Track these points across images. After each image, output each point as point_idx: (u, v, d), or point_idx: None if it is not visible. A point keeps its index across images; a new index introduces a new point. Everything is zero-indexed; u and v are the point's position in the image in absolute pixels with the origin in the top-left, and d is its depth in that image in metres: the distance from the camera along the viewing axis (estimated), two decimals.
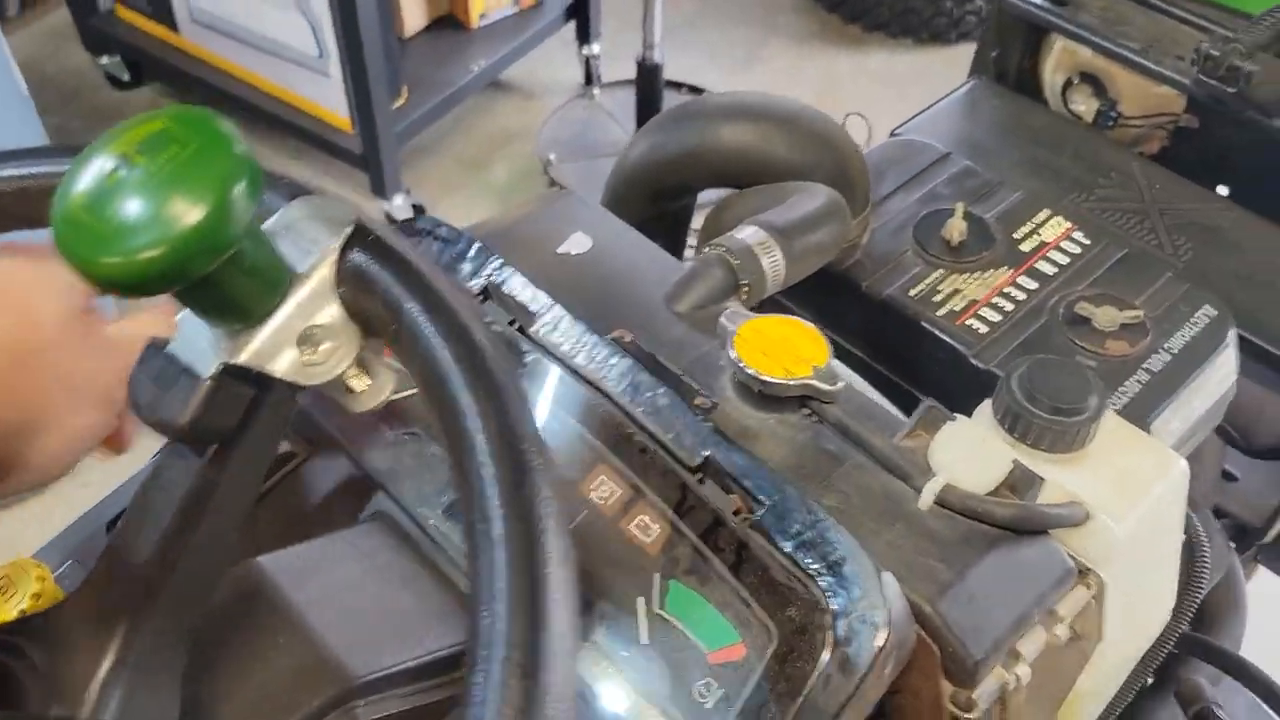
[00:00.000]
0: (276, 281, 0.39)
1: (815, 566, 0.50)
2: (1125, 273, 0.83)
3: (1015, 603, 0.55)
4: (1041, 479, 0.59)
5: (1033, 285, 0.82)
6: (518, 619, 0.32)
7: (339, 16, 2.01)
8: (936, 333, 0.80)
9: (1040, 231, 0.86)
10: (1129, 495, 0.61)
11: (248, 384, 0.39)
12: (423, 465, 0.58)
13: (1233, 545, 1.12)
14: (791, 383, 0.60)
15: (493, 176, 2.50)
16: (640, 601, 0.53)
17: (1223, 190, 1.10)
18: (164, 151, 0.35)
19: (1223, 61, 0.93)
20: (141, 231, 0.34)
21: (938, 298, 0.82)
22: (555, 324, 0.60)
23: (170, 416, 0.39)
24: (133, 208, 0.34)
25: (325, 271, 0.39)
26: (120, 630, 0.42)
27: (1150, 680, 1.04)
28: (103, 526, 0.62)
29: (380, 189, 2.29)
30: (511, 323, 0.60)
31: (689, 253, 0.92)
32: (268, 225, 0.40)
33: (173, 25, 2.34)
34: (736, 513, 0.53)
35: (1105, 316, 0.79)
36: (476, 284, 0.62)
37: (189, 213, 0.34)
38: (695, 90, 2.57)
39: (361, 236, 0.39)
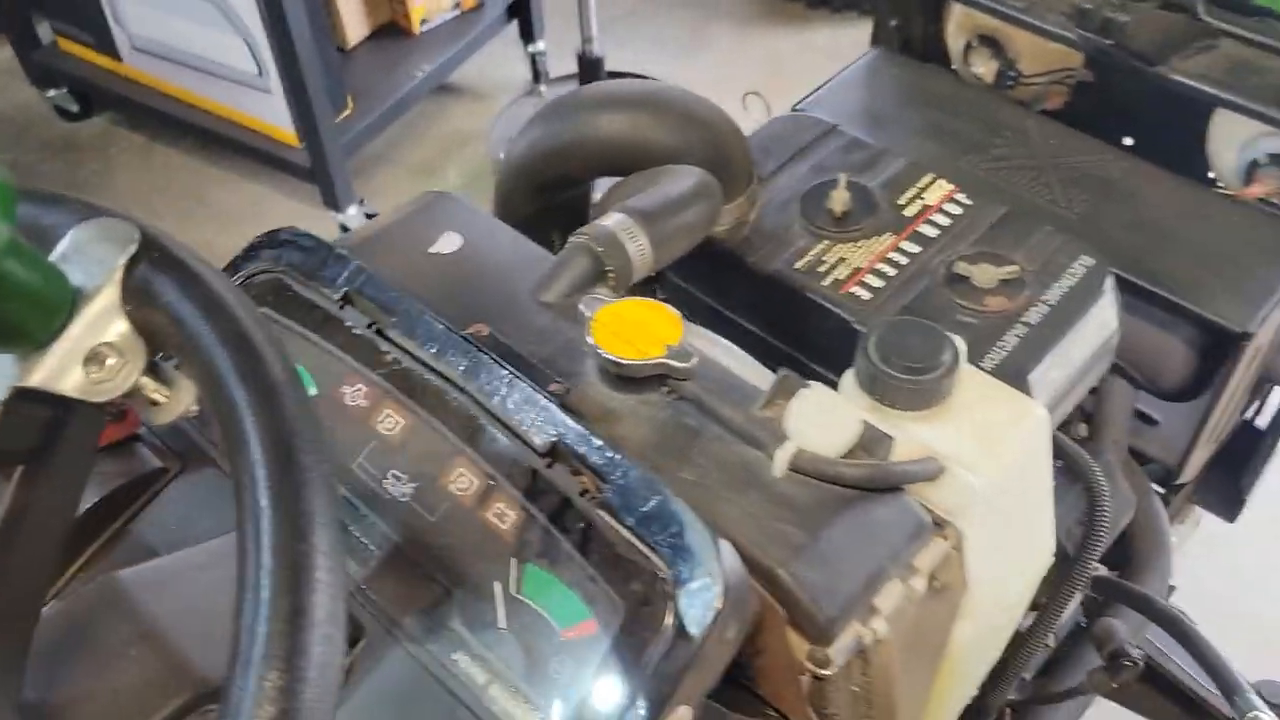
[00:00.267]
0: (59, 303, 0.40)
1: (657, 540, 0.52)
2: (1005, 230, 0.84)
3: (868, 560, 0.57)
4: (891, 438, 0.60)
5: (915, 249, 0.84)
6: (277, 621, 0.33)
7: (272, 33, 2.03)
8: (821, 302, 0.81)
9: (924, 196, 0.88)
10: (987, 446, 0.63)
11: (44, 405, 0.41)
12: None
13: (1161, 489, 1.14)
14: (646, 363, 0.61)
15: (447, 180, 2.51)
16: (498, 586, 0.54)
17: (1128, 141, 1.12)
18: None
19: (1096, 15, 0.94)
20: None
21: (823, 268, 0.83)
22: (412, 324, 0.61)
23: None
24: None
25: (111, 290, 0.40)
26: None
27: (1084, 623, 1.06)
28: None
29: (332, 201, 2.30)
30: (370, 325, 0.62)
31: None
32: (58, 250, 0.41)
33: (115, 55, 2.35)
34: (584, 493, 0.54)
35: (983, 274, 0.80)
36: (337, 290, 0.63)
37: None
38: (641, 80, 2.58)
39: (146, 254, 0.40)
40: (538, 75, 2.67)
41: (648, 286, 0.95)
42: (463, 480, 0.57)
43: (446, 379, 0.60)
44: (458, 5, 2.53)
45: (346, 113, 2.29)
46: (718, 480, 0.59)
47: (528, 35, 2.61)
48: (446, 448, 0.58)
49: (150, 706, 0.47)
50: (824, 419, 0.61)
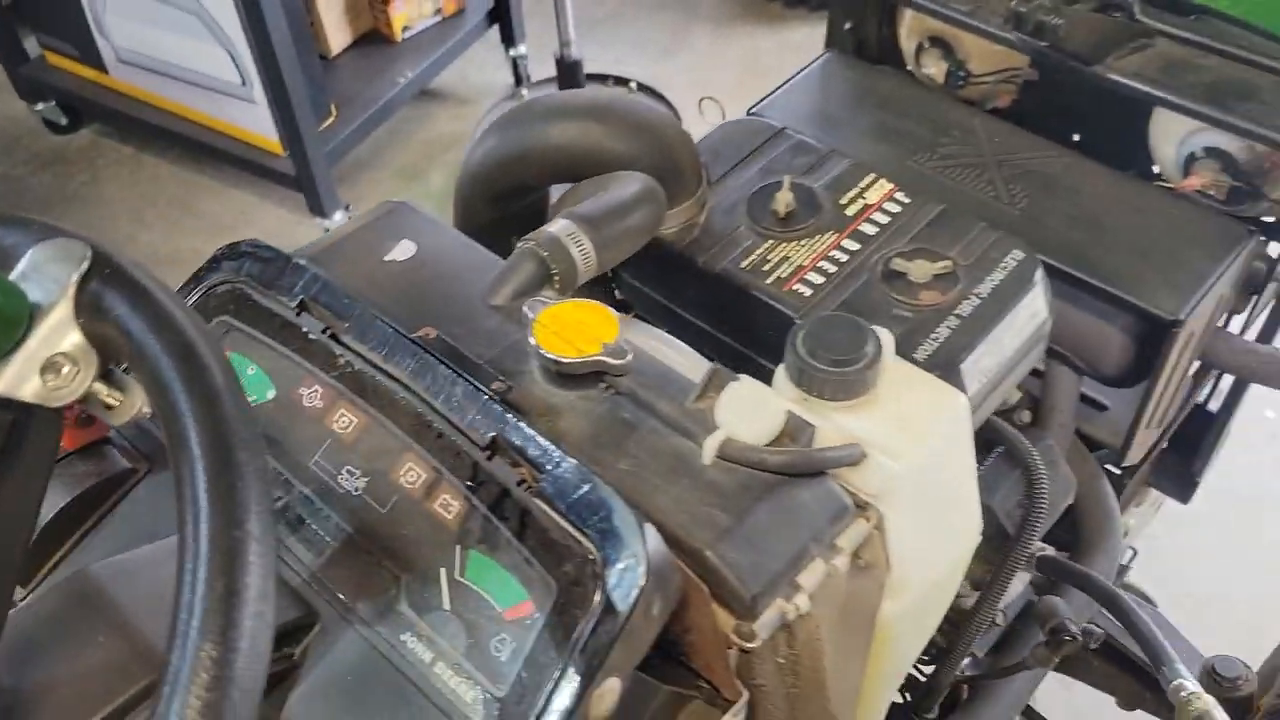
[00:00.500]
0: (18, 318, 0.44)
1: (587, 525, 0.56)
2: (941, 227, 0.88)
3: (791, 540, 0.61)
4: (814, 426, 0.64)
5: (855, 247, 0.87)
6: (213, 600, 0.37)
7: (254, 44, 2.07)
8: (766, 299, 0.85)
9: (865, 195, 0.91)
10: (908, 433, 0.67)
11: (6, 410, 0.45)
12: None
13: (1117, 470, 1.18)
14: (583, 361, 0.65)
15: (431, 184, 2.56)
16: (443, 571, 0.58)
17: (1076, 138, 1.16)
18: None
19: (1031, 18, 0.98)
20: None
21: (767, 267, 0.87)
22: (364, 329, 0.65)
23: None
24: None
25: (65, 305, 0.44)
26: None
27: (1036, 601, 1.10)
28: None
29: (318, 208, 2.34)
30: (324, 331, 0.66)
31: None
32: (18, 269, 0.45)
33: (101, 67, 2.39)
34: (522, 483, 0.58)
35: (918, 270, 0.84)
36: (293, 298, 0.67)
37: None
38: (620, 81, 2.62)
39: (98, 271, 0.44)
40: (519, 79, 2.71)
41: (606, 288, 0.99)
42: (411, 474, 0.61)
43: (396, 380, 0.64)
44: (439, 11, 2.57)
45: (330, 120, 2.33)
46: (651, 469, 0.63)
47: (509, 40, 2.65)
48: (396, 444, 0.62)
49: (116, 688, 0.51)
50: (751, 410, 0.65)
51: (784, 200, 0.89)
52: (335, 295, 0.67)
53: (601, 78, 2.63)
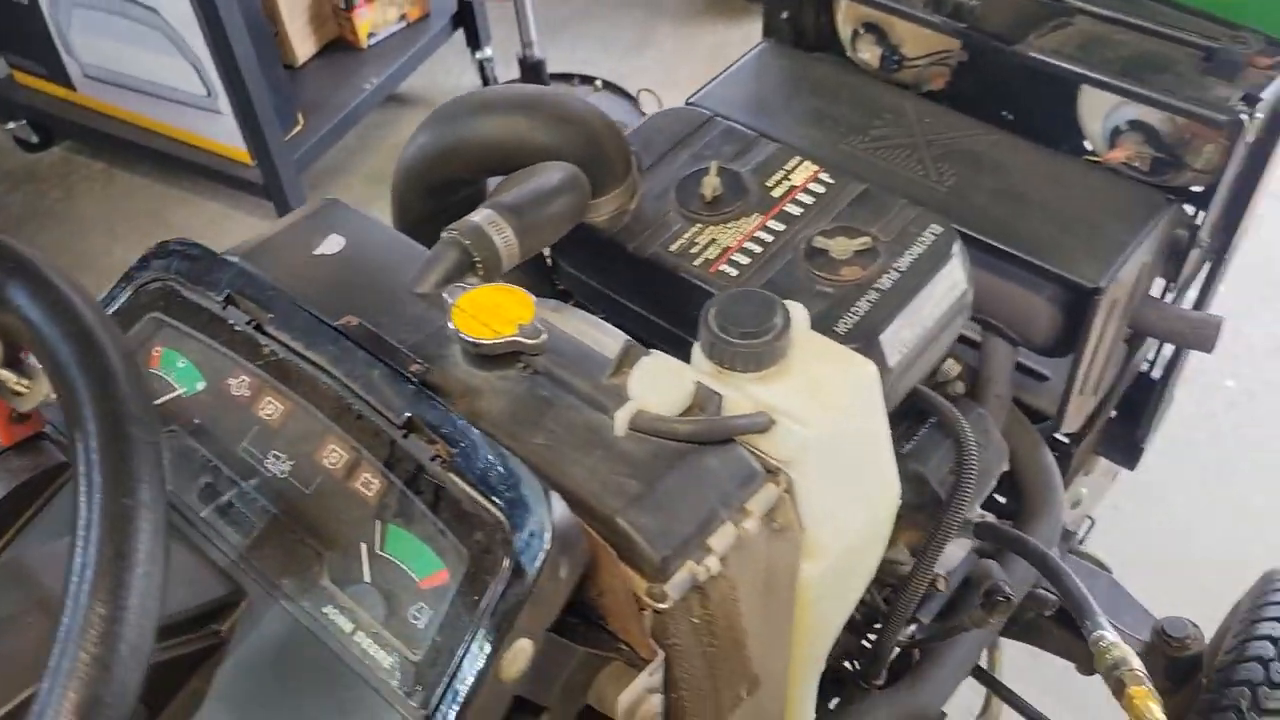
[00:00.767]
0: None
1: (496, 496, 0.58)
2: (863, 205, 0.91)
3: (700, 504, 0.63)
4: (721, 396, 0.67)
5: (780, 227, 0.90)
6: (103, 563, 0.39)
7: (217, 57, 2.09)
8: (694, 281, 0.88)
9: (791, 177, 0.94)
10: (817, 400, 0.69)
11: None
12: (181, 458, 0.66)
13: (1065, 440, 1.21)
14: (499, 342, 0.68)
15: None
16: (364, 546, 0.61)
17: (1009, 117, 1.19)
18: None
19: (949, 0, 1.01)
20: None
21: (695, 249, 0.89)
22: (288, 319, 0.68)
23: None
24: None
25: None
26: None
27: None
28: None
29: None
30: (249, 322, 0.68)
31: None
32: None
33: (69, 84, 2.41)
34: (435, 459, 0.61)
35: (839, 247, 0.87)
36: (220, 293, 0.69)
37: None
38: (586, 80, 2.65)
39: (1, 264, 0.47)
40: (486, 81, 2.73)
41: (545, 275, 1.02)
42: (333, 455, 0.64)
43: (318, 366, 0.66)
44: (404, 17, 2.60)
45: (298, 128, 2.36)
46: (567, 443, 0.65)
47: (474, 42, 2.67)
48: (319, 427, 0.65)
49: (43, 664, 0.53)
50: (662, 382, 0.67)
51: (710, 185, 0.92)
52: (260, 288, 0.69)
53: (567, 77, 2.66)
